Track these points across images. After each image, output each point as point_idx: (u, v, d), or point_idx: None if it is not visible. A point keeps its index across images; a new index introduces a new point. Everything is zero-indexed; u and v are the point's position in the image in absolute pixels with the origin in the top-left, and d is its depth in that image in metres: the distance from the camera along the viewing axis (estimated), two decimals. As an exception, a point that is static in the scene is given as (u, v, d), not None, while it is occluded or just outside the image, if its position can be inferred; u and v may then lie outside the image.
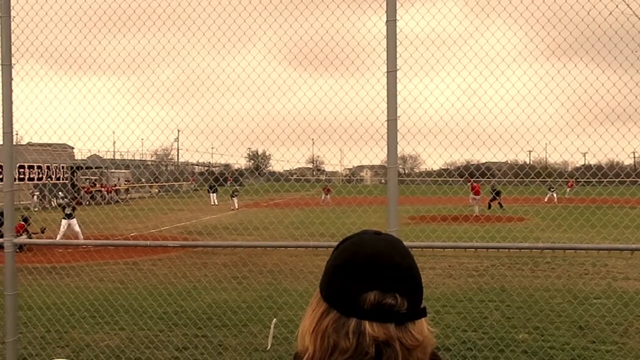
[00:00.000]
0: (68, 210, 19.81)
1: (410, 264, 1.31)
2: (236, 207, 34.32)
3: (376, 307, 1.23)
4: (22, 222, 18.48)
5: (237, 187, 35.19)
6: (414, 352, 1.24)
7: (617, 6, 4.86)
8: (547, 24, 5.04)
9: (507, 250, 14.32)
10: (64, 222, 19.48)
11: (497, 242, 11.53)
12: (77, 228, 19.45)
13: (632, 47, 4.94)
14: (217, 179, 21.71)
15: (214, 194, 37.46)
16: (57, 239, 17.71)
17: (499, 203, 32.19)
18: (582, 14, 4.97)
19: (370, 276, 1.26)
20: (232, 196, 34.91)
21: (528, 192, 33.72)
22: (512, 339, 8.30)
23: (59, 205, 21.04)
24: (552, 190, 38.73)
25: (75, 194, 39.98)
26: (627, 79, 5.06)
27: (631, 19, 4.83)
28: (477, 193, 28.33)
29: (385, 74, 4.85)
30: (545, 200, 37.02)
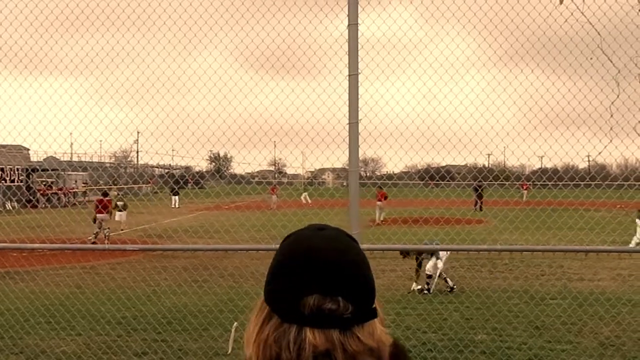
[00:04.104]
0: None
1: (356, 261, 1.19)
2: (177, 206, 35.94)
3: (317, 313, 1.12)
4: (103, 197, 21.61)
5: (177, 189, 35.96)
6: (361, 357, 1.13)
7: (572, 14, 4.99)
8: (500, 32, 5.14)
9: (466, 252, 14.54)
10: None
11: (457, 244, 11.70)
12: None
13: (586, 53, 5.08)
14: (178, 181, 21.82)
15: (176, 197, 37.30)
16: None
17: (479, 206, 32.55)
18: (528, 21, 5.09)
19: (309, 278, 1.14)
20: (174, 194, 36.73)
21: (486, 195, 34.32)
22: (470, 339, 8.42)
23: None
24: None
25: (31, 197, 39.04)
26: (582, 85, 5.21)
27: (585, 26, 4.97)
28: (381, 199, 28.19)
29: (347, 77, 4.87)
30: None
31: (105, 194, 22.33)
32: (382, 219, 26.79)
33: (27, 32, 5.70)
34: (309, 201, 36.91)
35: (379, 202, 27.82)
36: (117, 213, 24.75)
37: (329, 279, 1.15)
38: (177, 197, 37.37)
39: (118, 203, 25.49)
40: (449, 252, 12.40)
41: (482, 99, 5.40)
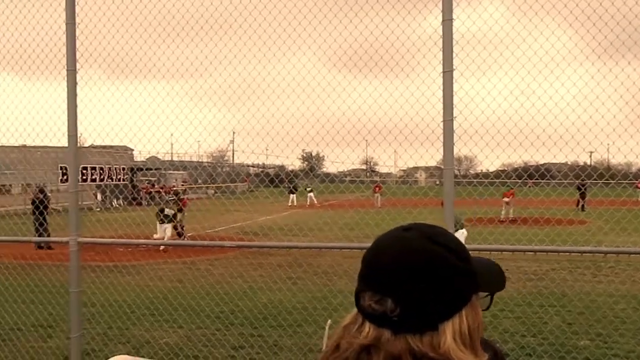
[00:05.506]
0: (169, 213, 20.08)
1: (419, 267, 1.15)
2: (315, 203, 35.92)
3: (367, 309, 1.15)
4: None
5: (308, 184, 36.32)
6: None
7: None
8: (605, 22, 4.87)
9: (567, 254, 13.92)
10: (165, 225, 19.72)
11: (557, 246, 11.20)
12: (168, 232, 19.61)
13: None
14: (293, 180, 21.41)
15: (293, 195, 38.34)
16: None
17: (582, 205, 31.43)
18: (636, 10, 4.78)
19: (366, 275, 1.19)
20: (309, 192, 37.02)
21: (590, 194, 32.64)
22: (573, 345, 8.06)
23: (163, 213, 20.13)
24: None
25: (136, 195, 41.04)
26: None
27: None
28: (508, 196, 28.14)
29: (441, 74, 4.79)
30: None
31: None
32: (511, 215, 26.76)
33: (133, 38, 6.00)
34: (315, 202, 36.42)
35: (505, 199, 27.95)
36: (160, 226, 19.51)
37: (381, 279, 1.16)
38: (294, 195, 38.42)
39: (167, 211, 19.88)
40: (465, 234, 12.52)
41: (585, 93, 5.14)
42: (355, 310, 1.21)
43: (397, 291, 1.13)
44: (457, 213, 14.33)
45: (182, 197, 22.60)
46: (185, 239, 19.38)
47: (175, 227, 20.31)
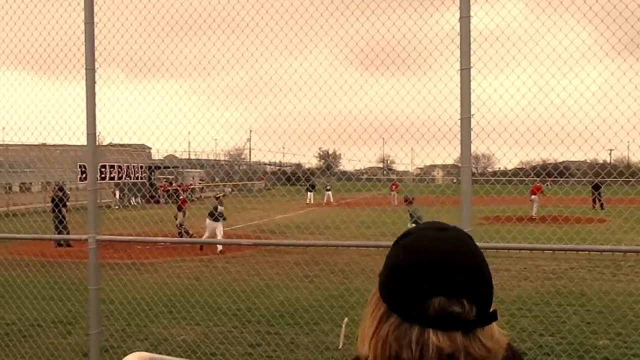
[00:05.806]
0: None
1: (480, 264, 1.20)
2: (331, 201, 36.26)
3: (441, 315, 1.12)
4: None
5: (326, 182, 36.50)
6: None
7: None
8: (626, 18, 4.80)
9: (586, 252, 13.79)
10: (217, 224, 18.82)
11: (576, 244, 11.11)
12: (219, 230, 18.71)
13: None
14: (310, 178, 21.06)
15: (311, 193, 38.44)
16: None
17: (601, 204, 31.10)
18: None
19: (435, 280, 1.14)
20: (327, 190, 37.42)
21: (610, 192, 32.29)
22: (592, 344, 7.98)
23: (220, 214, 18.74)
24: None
25: (154, 193, 41.27)
26: None
27: None
28: (534, 193, 27.68)
29: (459, 72, 4.76)
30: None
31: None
32: (535, 213, 26.52)
33: (151, 37, 6.04)
34: (332, 200, 36.66)
35: (532, 197, 27.59)
36: (211, 222, 18.29)
37: (456, 282, 1.15)
38: (311, 193, 38.53)
39: (219, 207, 18.51)
40: None
41: (605, 90, 5.08)
42: (392, 319, 1.17)
43: (471, 291, 1.15)
44: (418, 210, 14.26)
45: (181, 196, 22.40)
46: (193, 237, 19.34)
47: (178, 227, 20.27)
